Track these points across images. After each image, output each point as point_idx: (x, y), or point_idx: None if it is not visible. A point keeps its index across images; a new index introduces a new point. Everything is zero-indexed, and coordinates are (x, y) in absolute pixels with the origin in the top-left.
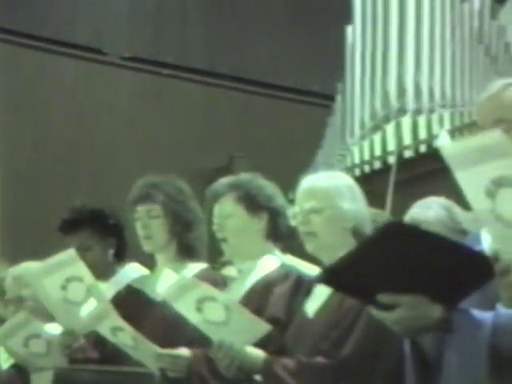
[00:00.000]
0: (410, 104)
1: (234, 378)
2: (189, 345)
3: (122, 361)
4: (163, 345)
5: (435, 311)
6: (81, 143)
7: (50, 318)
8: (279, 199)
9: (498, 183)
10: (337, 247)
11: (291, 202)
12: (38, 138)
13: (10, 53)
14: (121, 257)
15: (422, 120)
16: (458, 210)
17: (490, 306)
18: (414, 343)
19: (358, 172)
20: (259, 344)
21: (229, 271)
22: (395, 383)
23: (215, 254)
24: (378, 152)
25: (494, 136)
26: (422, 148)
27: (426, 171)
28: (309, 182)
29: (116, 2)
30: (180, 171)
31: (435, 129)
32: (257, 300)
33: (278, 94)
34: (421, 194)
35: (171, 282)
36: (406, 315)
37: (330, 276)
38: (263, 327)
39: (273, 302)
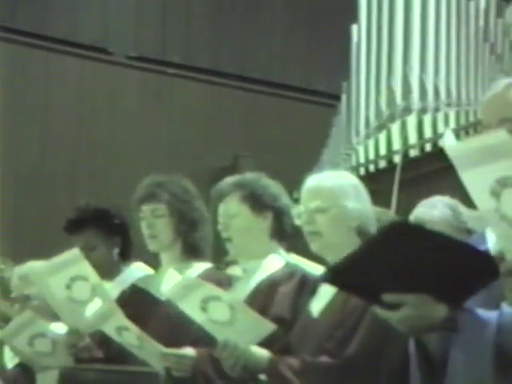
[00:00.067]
0: (416, 103)
1: (238, 378)
2: (194, 344)
3: (127, 360)
4: (168, 344)
5: (440, 310)
6: (85, 143)
7: (55, 317)
8: (284, 198)
9: (503, 183)
10: (342, 247)
11: (296, 201)
12: (42, 137)
13: (15, 52)
14: (126, 256)
15: (427, 119)
16: (463, 209)
17: (494, 305)
18: (419, 342)
19: (363, 171)
20: (264, 343)
21: (234, 271)
22: (400, 383)
23: (220, 254)
24: (383, 151)
25: (499, 136)
26: (428, 147)
27: (431, 170)
28: (314, 181)
29: (122, 2)
30: (185, 171)
31: (440, 128)
32: (261, 299)
33: (283, 93)
34: (426, 193)
35: (176, 281)
36: (411, 314)
37: (335, 275)
38: (268, 327)
39: (277, 302)
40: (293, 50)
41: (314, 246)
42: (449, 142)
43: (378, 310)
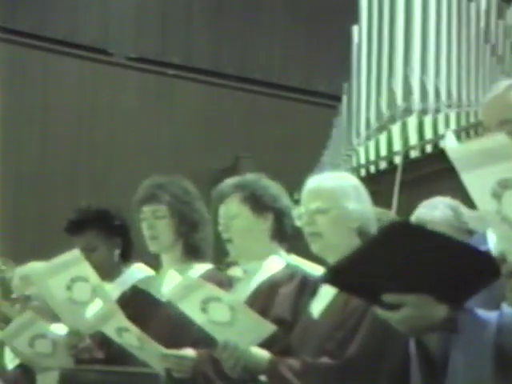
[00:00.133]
0: (416, 104)
1: (239, 379)
2: (194, 345)
3: (127, 361)
4: (168, 345)
5: (440, 311)
6: (85, 144)
7: (56, 318)
8: (284, 200)
9: (504, 185)
10: (342, 248)
11: (297, 202)
12: (42, 138)
13: (15, 53)
14: (126, 257)
15: (427, 120)
16: (464, 209)
17: (495, 305)
18: (420, 343)
19: (363, 172)
20: (264, 344)
21: (234, 272)
22: (400, 383)
23: (221, 255)
24: (383, 152)
25: (499, 139)
26: (428, 148)
27: (431, 171)
28: (314, 182)
29: (122, 3)
30: (185, 172)
31: (441, 129)
32: (262, 300)
33: (283, 94)
34: (427, 194)
35: (176, 282)
36: (411, 315)
37: (335, 276)
38: (268, 328)
39: (278, 303)
40: (293, 51)
41: (314, 247)
42: (449, 144)
43: (379, 311)
